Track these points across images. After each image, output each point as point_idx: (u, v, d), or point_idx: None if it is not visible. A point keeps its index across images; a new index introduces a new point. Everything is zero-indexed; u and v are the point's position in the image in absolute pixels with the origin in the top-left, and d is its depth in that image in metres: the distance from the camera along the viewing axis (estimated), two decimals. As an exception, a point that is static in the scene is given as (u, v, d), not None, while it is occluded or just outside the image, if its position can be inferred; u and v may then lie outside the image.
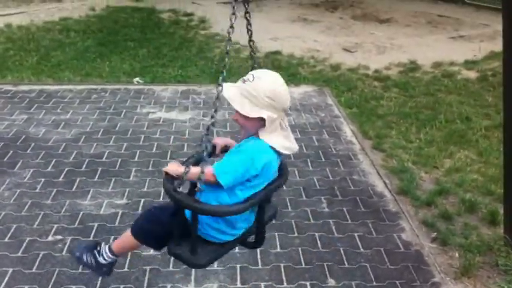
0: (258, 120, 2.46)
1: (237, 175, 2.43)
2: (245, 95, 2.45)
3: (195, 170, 2.41)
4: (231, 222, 2.61)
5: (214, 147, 2.79)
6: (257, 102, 2.44)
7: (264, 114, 2.43)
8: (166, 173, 2.51)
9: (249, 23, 2.61)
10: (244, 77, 2.51)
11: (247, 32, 2.61)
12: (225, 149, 2.78)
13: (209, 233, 2.60)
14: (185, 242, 2.57)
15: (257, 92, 2.44)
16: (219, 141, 2.82)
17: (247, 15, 2.59)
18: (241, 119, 2.49)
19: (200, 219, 2.52)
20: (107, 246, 3.02)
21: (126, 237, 2.89)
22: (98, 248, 3.03)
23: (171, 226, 2.60)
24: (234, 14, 2.40)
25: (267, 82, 2.48)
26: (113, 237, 4.06)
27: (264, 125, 2.46)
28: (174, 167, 2.51)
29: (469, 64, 9.00)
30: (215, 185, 2.43)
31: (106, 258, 3.01)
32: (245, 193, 2.50)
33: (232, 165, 2.43)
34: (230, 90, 2.47)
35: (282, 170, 2.67)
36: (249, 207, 2.52)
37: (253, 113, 2.43)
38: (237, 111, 2.47)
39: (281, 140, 2.52)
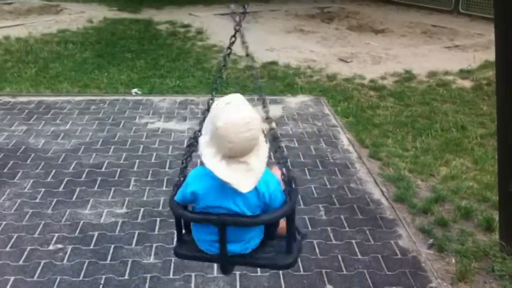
0: None
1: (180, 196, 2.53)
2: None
3: None
4: (199, 232, 2.63)
5: None
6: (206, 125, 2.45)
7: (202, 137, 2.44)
8: None
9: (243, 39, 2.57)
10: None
11: (244, 47, 2.58)
12: None
13: None
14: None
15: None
16: None
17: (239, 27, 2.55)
18: None
19: None
20: None
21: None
22: None
23: None
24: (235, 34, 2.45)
25: (216, 109, 2.37)
26: (113, 245, 4.11)
27: None
28: None
29: (463, 73, 9.10)
30: None
31: None
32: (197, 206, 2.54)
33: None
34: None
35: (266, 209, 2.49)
36: (189, 218, 2.55)
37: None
38: None
39: (222, 170, 2.32)
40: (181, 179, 2.57)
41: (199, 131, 2.53)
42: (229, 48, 2.53)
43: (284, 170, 2.51)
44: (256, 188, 2.36)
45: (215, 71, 8.82)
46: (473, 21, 13.37)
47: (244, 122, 2.27)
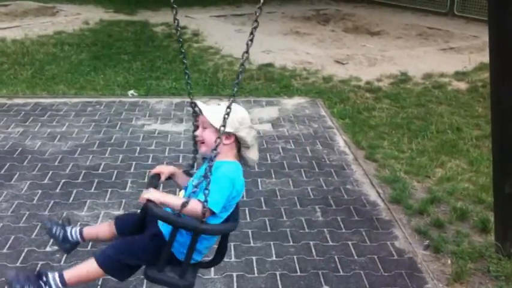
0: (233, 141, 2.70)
1: (224, 202, 2.59)
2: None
3: (178, 201, 2.52)
4: (208, 242, 2.78)
5: (158, 175, 2.90)
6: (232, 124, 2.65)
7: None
8: (149, 200, 2.53)
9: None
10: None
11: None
12: (170, 177, 2.95)
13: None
14: (167, 267, 2.68)
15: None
16: (164, 169, 2.93)
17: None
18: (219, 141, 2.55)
19: (183, 241, 2.63)
20: (57, 277, 2.76)
21: (90, 269, 2.75)
22: (44, 279, 2.75)
23: (151, 254, 2.68)
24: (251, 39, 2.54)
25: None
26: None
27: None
28: (156, 195, 2.54)
29: (459, 75, 9.14)
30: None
31: None
32: (224, 214, 2.67)
33: (220, 193, 2.55)
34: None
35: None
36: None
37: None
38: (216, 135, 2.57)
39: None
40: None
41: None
42: (246, 52, 2.56)
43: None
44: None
45: (211, 72, 8.84)
46: (468, 23, 13.43)
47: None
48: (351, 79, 8.87)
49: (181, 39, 2.91)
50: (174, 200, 2.55)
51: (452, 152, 6.18)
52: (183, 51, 2.88)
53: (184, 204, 2.46)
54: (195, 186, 2.58)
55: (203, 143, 2.73)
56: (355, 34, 12.38)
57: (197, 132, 2.78)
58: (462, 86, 8.69)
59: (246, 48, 2.50)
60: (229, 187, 2.59)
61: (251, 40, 2.52)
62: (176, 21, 2.72)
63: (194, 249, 2.60)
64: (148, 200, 2.53)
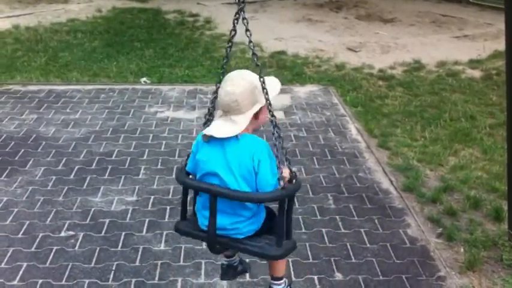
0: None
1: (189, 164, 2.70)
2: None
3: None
4: None
5: None
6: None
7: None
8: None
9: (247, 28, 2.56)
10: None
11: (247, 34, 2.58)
12: None
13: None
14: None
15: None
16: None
17: (245, 20, 2.58)
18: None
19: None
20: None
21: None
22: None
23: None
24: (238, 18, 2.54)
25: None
26: (124, 233, 4.15)
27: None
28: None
29: (473, 63, 9.07)
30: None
31: None
32: None
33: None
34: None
35: None
36: (186, 183, 2.69)
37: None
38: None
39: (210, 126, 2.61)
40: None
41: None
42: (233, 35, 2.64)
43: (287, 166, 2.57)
44: (248, 148, 2.50)
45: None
46: (482, 10, 13.29)
47: (229, 79, 2.56)
48: (364, 67, 8.83)
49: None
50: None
51: (466, 140, 6.15)
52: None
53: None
54: None
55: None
56: (368, 21, 12.29)
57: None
58: (476, 74, 8.61)
59: (232, 26, 2.62)
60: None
61: (236, 19, 2.62)
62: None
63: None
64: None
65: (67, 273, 3.77)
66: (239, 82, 2.54)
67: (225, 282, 3.69)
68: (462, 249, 4.19)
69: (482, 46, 9.89)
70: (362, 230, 4.39)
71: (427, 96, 7.53)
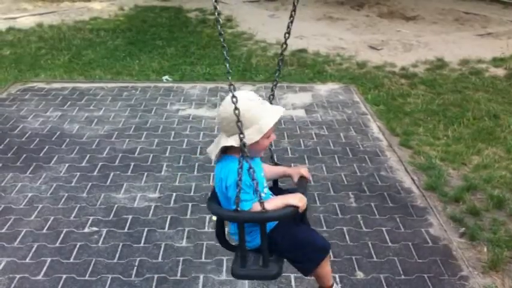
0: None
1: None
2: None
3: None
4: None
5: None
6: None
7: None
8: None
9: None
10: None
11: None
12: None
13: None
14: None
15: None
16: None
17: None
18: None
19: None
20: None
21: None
22: None
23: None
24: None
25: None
26: (146, 229, 4.19)
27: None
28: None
29: (496, 61, 8.95)
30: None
31: None
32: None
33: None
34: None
35: None
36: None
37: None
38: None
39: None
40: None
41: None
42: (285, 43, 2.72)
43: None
44: (220, 172, 2.56)
45: (245, 58, 8.85)
46: (506, 8, 13.10)
47: (225, 102, 2.49)
48: (386, 65, 8.77)
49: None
50: None
51: (489, 139, 6.08)
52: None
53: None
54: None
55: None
56: (390, 19, 12.20)
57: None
58: (500, 72, 8.51)
59: (284, 39, 2.66)
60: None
61: (288, 33, 2.68)
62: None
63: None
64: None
65: (90, 268, 3.83)
66: (225, 107, 2.46)
67: (246, 280, 3.71)
68: (485, 249, 4.16)
69: (506, 44, 9.77)
70: (384, 228, 4.37)
71: (449, 95, 7.45)
